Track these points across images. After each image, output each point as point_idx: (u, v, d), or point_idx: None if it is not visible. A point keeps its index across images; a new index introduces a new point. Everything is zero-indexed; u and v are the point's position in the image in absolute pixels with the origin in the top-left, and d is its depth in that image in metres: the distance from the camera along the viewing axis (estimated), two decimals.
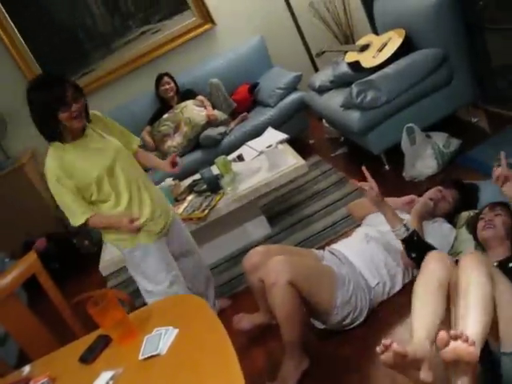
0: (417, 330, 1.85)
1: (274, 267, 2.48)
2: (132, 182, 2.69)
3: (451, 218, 2.89)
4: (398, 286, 2.76)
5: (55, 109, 2.40)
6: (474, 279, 1.89)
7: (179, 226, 3.04)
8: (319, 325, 2.73)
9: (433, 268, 2.05)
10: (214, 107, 5.02)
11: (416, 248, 2.47)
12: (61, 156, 2.52)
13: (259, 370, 2.70)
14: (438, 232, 2.76)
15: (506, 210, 2.47)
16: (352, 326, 2.67)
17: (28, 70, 5.19)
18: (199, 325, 1.88)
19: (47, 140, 2.55)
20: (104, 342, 2.00)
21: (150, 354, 1.79)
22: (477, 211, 2.68)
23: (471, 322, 1.77)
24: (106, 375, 1.79)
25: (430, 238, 2.61)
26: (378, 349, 1.74)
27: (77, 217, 2.59)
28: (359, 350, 2.55)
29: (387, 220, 2.56)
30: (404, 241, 2.50)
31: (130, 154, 2.80)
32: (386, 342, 1.73)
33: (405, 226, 2.50)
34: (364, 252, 2.78)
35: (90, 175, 2.55)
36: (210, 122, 4.85)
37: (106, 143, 2.65)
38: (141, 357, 1.80)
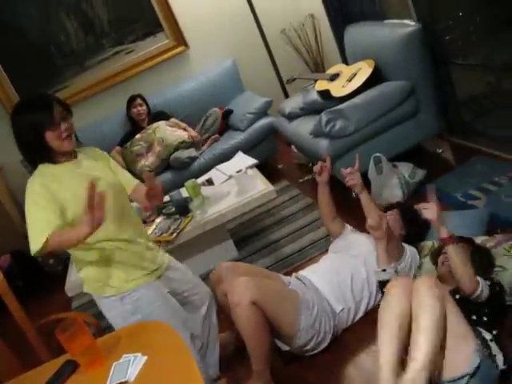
0: (383, 365, 1.90)
1: (238, 288, 2.52)
2: (120, 216, 2.39)
3: (411, 241, 2.96)
4: (362, 312, 2.82)
5: (41, 130, 2.20)
6: (424, 302, 1.98)
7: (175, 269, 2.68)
8: (284, 346, 2.76)
9: (395, 295, 2.12)
10: (198, 129, 5.17)
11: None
12: (47, 172, 2.27)
13: None
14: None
15: (467, 244, 2.55)
16: (316, 352, 2.70)
17: None
18: (167, 352, 1.89)
19: (34, 163, 2.31)
20: (71, 367, 1.98)
21: (118, 381, 1.79)
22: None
23: (421, 344, 1.86)
24: None
25: None
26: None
27: (37, 238, 2.12)
28: (323, 376, 2.59)
29: (380, 250, 2.67)
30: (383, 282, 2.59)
31: (125, 193, 2.52)
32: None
33: (395, 272, 2.62)
34: (331, 278, 2.83)
35: (77, 193, 2.18)
36: (194, 143, 4.95)
37: (103, 173, 2.41)
38: None
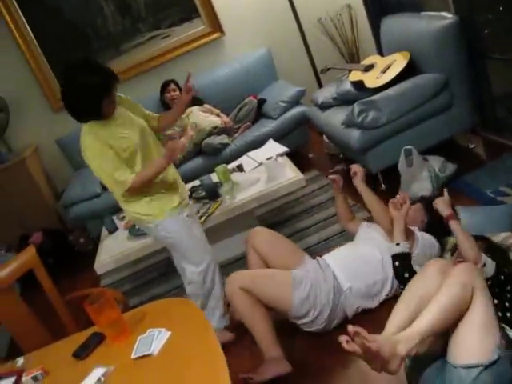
0: (388, 326, 1.95)
1: (228, 283, 2.78)
2: (157, 152, 2.87)
3: (436, 234, 2.96)
4: (375, 299, 2.83)
5: (104, 93, 2.54)
6: (446, 282, 1.99)
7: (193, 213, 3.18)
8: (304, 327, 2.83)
9: (429, 275, 2.12)
10: (234, 118, 5.21)
11: (409, 269, 2.58)
12: (96, 131, 2.62)
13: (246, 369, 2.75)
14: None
15: (484, 243, 2.55)
16: (318, 327, 2.77)
17: (35, 63, 5.30)
18: (191, 328, 1.94)
19: (82, 120, 2.64)
20: (98, 339, 2.05)
21: (142, 354, 1.85)
22: None
23: (423, 319, 1.90)
24: (98, 371, 1.84)
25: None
26: (343, 338, 1.74)
27: (123, 182, 2.63)
28: (342, 361, 2.62)
29: (396, 229, 2.74)
30: (399, 257, 2.63)
31: (152, 133, 2.93)
32: (351, 329, 1.75)
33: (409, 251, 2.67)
34: (345, 258, 2.92)
35: (130, 140, 2.68)
36: (227, 129, 4.99)
37: (132, 120, 2.79)
38: (133, 356, 1.86)
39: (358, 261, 2.87)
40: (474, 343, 1.91)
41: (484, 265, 2.30)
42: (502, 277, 2.34)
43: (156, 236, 2.97)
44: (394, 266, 2.70)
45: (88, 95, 2.52)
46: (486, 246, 2.52)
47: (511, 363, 1.93)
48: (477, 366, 1.87)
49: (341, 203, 3.34)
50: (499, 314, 2.21)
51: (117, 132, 2.66)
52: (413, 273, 2.54)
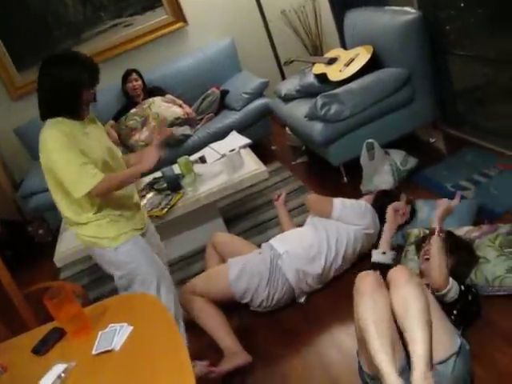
0: (385, 368, 1.88)
1: (180, 296, 2.91)
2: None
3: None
4: (319, 266, 2.92)
5: (82, 87, 2.39)
6: (408, 294, 1.99)
7: (152, 231, 2.95)
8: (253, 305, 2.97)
9: (372, 297, 2.07)
10: (196, 109, 5.16)
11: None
12: (63, 128, 2.39)
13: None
14: None
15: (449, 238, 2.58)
16: (266, 294, 2.87)
17: None
18: (153, 323, 1.92)
19: (50, 115, 2.42)
20: (58, 334, 2.01)
21: (103, 349, 1.82)
22: (427, 232, 2.78)
23: (419, 344, 1.86)
24: (59, 368, 1.80)
25: None
26: None
27: (94, 174, 2.36)
28: (298, 347, 2.65)
29: (385, 237, 2.70)
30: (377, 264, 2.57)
31: (119, 160, 2.69)
32: None
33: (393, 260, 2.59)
34: (286, 234, 3.16)
35: (94, 152, 2.44)
36: (189, 120, 4.96)
37: (102, 137, 2.63)
38: (94, 351, 1.83)
39: (295, 233, 3.11)
40: (441, 337, 1.96)
41: (448, 291, 2.28)
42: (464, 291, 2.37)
43: (114, 261, 2.64)
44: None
45: (69, 84, 2.36)
46: (451, 242, 2.54)
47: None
48: (451, 357, 1.92)
49: (284, 214, 3.49)
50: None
51: (83, 139, 2.44)
52: None
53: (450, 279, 2.29)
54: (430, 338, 1.89)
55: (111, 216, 2.57)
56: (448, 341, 1.98)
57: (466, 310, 2.32)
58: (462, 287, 2.34)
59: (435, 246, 2.38)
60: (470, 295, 2.37)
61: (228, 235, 3.48)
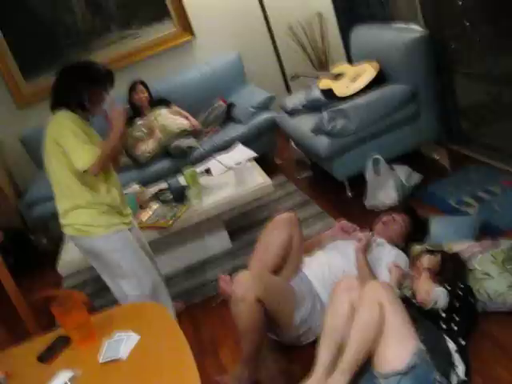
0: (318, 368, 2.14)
1: (245, 282, 2.49)
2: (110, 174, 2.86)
3: (405, 245, 2.98)
4: None
5: (106, 86, 2.68)
6: (360, 305, 2.15)
7: (138, 231, 3.13)
8: (272, 336, 2.78)
9: (337, 302, 2.32)
10: (201, 120, 5.17)
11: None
12: (74, 119, 2.64)
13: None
14: (384, 258, 2.86)
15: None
16: (303, 344, 2.73)
17: (0, 59, 5.20)
18: (160, 332, 1.93)
19: (64, 106, 2.65)
20: (64, 342, 2.02)
21: (110, 358, 1.82)
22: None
23: (350, 345, 2.08)
24: (65, 376, 1.81)
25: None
26: None
27: (88, 156, 2.57)
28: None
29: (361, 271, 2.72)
30: None
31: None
32: None
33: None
34: (323, 272, 2.83)
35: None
36: (195, 132, 4.99)
37: (96, 137, 2.81)
38: (101, 360, 1.84)
39: (337, 276, 2.77)
40: (391, 352, 2.06)
41: (435, 302, 2.34)
42: (457, 304, 2.39)
43: (99, 249, 2.80)
44: None
45: (93, 82, 2.64)
46: (442, 256, 2.59)
47: (437, 368, 2.05)
48: (395, 375, 1.98)
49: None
50: (444, 326, 2.30)
51: (86, 132, 2.67)
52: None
53: (437, 289, 2.36)
54: (360, 356, 2.06)
55: (104, 207, 2.75)
56: (396, 357, 2.06)
57: (465, 310, 2.38)
58: (460, 292, 2.41)
59: (424, 277, 2.47)
60: (459, 301, 2.41)
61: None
